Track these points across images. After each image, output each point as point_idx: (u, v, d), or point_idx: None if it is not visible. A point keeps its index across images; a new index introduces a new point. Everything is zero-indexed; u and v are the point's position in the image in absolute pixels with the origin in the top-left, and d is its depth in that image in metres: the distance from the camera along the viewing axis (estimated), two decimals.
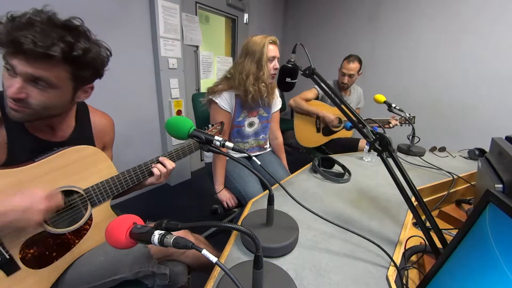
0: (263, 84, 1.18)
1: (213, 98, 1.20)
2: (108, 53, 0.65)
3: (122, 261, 0.71)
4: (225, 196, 1.27)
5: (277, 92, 1.41)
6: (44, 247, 0.63)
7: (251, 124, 1.34)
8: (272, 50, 1.17)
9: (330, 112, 1.81)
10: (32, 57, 0.52)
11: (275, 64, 1.19)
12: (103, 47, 0.63)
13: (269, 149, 1.50)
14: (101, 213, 0.74)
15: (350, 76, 1.82)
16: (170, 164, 0.84)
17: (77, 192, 0.68)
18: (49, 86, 0.56)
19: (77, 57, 0.56)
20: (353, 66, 1.79)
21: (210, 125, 1.01)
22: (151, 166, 0.82)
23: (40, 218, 0.54)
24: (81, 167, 0.69)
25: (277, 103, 1.43)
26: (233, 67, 1.24)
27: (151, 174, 0.82)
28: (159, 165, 0.83)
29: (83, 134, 0.77)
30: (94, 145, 0.79)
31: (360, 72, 1.85)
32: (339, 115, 1.87)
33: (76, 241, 0.69)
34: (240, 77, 1.17)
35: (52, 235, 0.64)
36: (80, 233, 0.70)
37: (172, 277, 0.76)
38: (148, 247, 0.72)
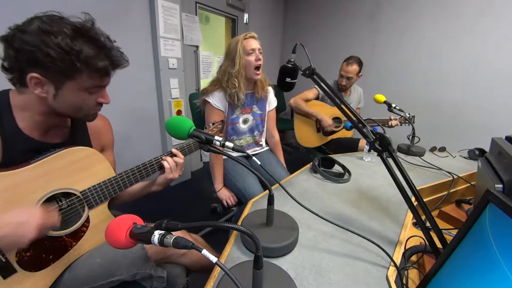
0: (235, 79, 1.20)
1: (206, 98, 1.23)
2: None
3: (119, 263, 0.71)
4: (225, 195, 1.27)
5: (271, 91, 1.42)
6: (40, 250, 0.63)
7: (245, 121, 1.36)
8: (251, 44, 1.18)
9: (328, 114, 1.81)
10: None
11: (257, 55, 1.20)
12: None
13: (266, 147, 1.51)
14: (98, 215, 0.73)
15: (348, 78, 1.82)
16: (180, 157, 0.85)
17: (74, 194, 0.68)
18: None
19: None
20: (351, 69, 1.78)
21: (210, 124, 1.00)
22: (149, 166, 0.81)
23: (34, 235, 0.52)
24: (77, 169, 0.68)
25: (272, 102, 1.45)
26: (218, 70, 1.29)
27: (149, 174, 0.81)
28: (168, 158, 0.82)
29: (79, 135, 0.76)
30: (91, 147, 0.78)
31: (360, 75, 1.85)
32: (339, 115, 1.87)
33: (73, 243, 0.69)
34: (217, 76, 1.25)
35: (49, 238, 0.64)
36: (77, 235, 0.69)
37: (170, 280, 0.76)
38: (146, 249, 0.72)
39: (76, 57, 0.56)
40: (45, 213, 0.56)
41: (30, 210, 0.55)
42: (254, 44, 1.19)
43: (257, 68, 1.22)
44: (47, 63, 0.54)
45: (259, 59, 1.21)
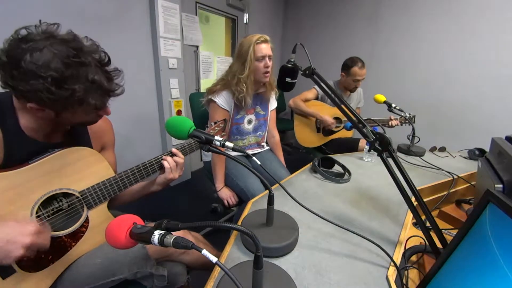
0: (244, 84, 1.19)
1: (212, 98, 1.22)
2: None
3: (120, 262, 0.71)
4: (226, 194, 1.27)
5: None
6: (40, 250, 0.62)
7: (250, 122, 1.36)
8: (261, 49, 1.17)
9: (328, 114, 1.81)
10: None
11: (266, 62, 1.19)
12: None
13: (266, 147, 1.51)
14: (98, 215, 0.73)
15: (361, 81, 1.82)
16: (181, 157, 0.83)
17: (74, 194, 0.68)
18: None
19: None
20: (364, 71, 1.79)
21: (212, 123, 1.00)
22: (149, 165, 0.80)
23: (21, 253, 0.50)
24: (76, 169, 0.68)
25: (273, 103, 1.46)
26: (227, 69, 1.27)
27: (149, 174, 0.81)
28: (168, 158, 0.81)
29: (79, 135, 0.76)
30: (91, 146, 0.78)
31: None
32: (339, 115, 1.86)
33: (73, 243, 0.69)
34: (228, 77, 1.23)
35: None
36: (76, 236, 0.69)
37: (171, 278, 0.76)
38: (146, 247, 0.72)
39: (74, 99, 0.56)
40: (35, 234, 0.53)
41: (22, 228, 0.53)
42: (265, 50, 1.18)
43: (266, 72, 1.22)
44: (45, 100, 0.54)
45: (268, 66, 1.20)
